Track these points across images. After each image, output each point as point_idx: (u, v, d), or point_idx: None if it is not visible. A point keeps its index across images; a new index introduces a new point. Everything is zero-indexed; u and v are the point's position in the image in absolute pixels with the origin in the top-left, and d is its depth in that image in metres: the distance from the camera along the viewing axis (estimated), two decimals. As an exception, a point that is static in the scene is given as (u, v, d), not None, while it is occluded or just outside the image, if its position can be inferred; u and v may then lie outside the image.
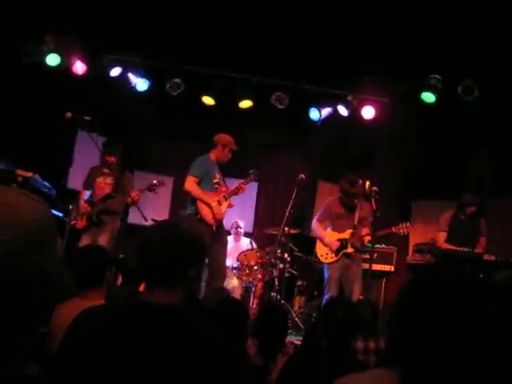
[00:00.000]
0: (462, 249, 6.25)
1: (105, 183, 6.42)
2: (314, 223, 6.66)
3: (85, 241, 6.12)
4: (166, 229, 1.98)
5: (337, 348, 3.15)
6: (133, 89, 7.98)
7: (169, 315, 1.82)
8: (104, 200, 6.29)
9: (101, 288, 3.13)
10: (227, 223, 7.15)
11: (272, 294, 7.12)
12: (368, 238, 6.29)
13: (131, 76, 7.93)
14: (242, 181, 6.43)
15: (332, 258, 6.40)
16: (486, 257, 5.95)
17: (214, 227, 6.14)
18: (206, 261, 5.94)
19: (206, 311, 3.39)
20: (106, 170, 6.51)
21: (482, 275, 5.77)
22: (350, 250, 6.36)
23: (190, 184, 6.15)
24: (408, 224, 6.34)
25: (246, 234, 8.34)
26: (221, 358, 1.76)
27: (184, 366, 1.72)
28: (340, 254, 6.37)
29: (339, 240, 6.40)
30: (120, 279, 7.10)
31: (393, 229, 6.32)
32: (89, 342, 1.76)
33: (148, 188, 6.23)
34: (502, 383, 1.57)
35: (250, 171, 6.49)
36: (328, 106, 8.22)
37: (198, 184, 6.19)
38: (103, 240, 6.12)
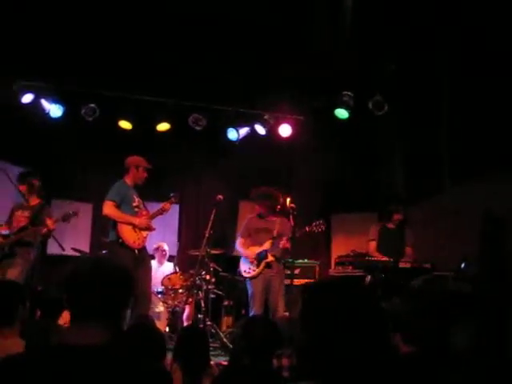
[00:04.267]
0: (383, 259, 6.40)
1: (22, 216, 6.39)
2: (238, 241, 6.75)
3: None
4: (96, 263, 1.90)
5: (259, 365, 3.17)
6: (47, 115, 7.78)
7: (96, 359, 1.71)
8: (18, 232, 6.26)
9: (13, 325, 3.04)
10: (150, 247, 7.06)
11: (199, 315, 7.09)
12: (286, 244, 6.36)
13: (44, 102, 7.74)
14: (162, 204, 6.39)
15: (254, 270, 6.50)
16: (401, 264, 6.13)
17: (136, 251, 6.04)
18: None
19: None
20: (26, 204, 6.49)
21: (402, 282, 6.02)
22: (270, 258, 6.46)
23: (109, 208, 6.04)
24: (321, 221, 6.48)
25: (170, 258, 8.28)
26: None
27: None
28: (262, 264, 6.46)
29: (259, 252, 6.53)
30: (39, 312, 6.85)
31: (306, 228, 6.45)
32: None
33: (63, 218, 6.29)
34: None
35: (171, 194, 6.45)
36: (245, 126, 8.33)
37: (118, 208, 6.09)
38: (13, 274, 5.96)
